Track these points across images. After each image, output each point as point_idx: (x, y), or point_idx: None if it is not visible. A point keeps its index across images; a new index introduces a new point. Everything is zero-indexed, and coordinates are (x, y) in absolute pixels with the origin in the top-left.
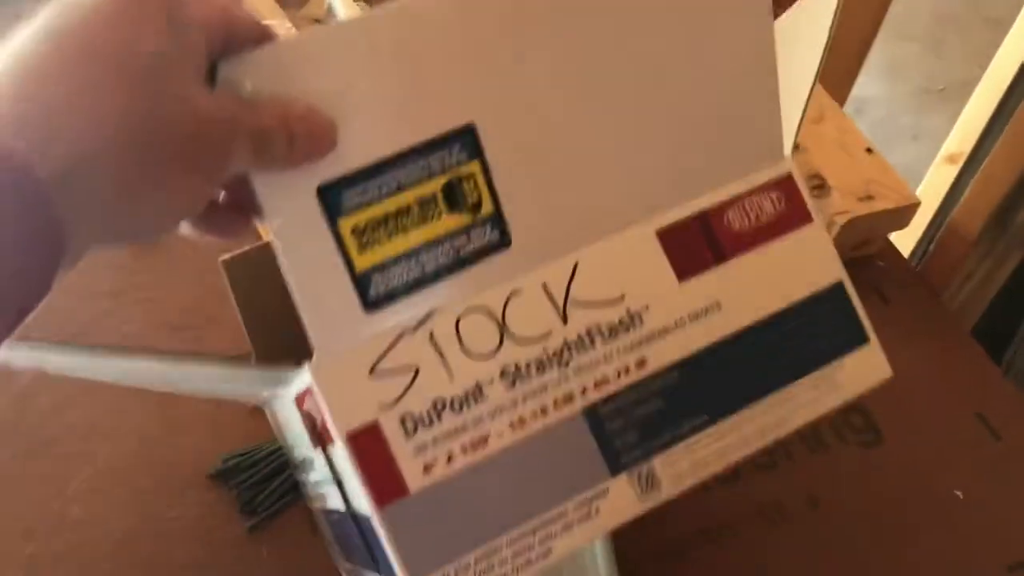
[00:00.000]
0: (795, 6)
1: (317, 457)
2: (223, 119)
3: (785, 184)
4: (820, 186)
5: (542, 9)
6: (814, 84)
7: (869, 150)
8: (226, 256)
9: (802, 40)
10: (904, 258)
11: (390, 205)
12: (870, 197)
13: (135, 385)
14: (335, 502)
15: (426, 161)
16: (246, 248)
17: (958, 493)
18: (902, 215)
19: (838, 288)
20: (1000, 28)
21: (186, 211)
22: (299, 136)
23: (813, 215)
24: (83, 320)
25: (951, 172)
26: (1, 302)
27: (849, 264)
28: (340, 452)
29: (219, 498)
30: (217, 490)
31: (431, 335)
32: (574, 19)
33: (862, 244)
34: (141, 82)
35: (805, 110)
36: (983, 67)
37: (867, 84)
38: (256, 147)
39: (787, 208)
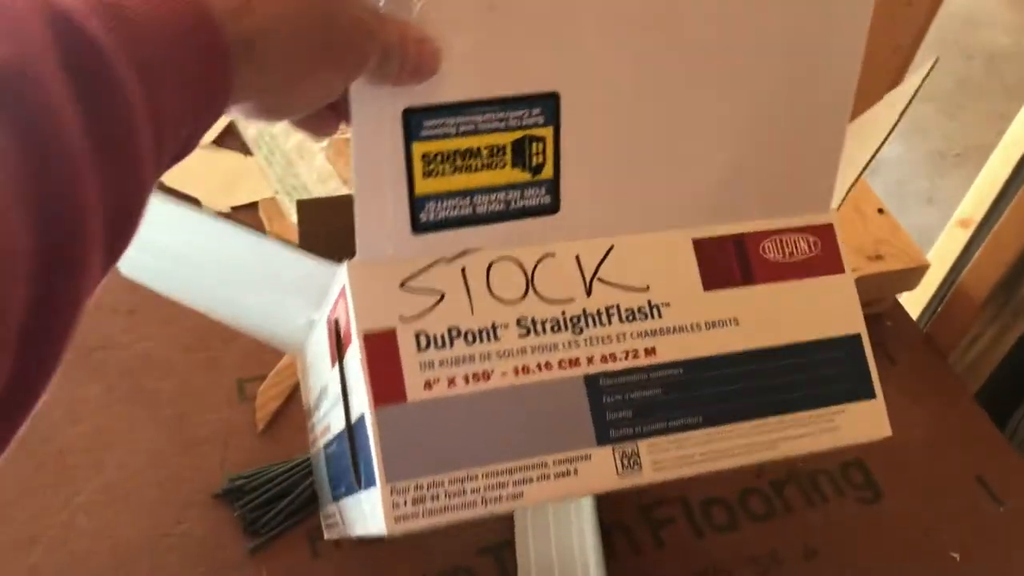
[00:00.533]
0: (871, 110)
1: (332, 380)
2: (369, 26)
3: (824, 232)
4: None
5: (652, 8)
6: (874, 155)
7: (881, 211)
8: (303, 198)
9: (869, 129)
10: (912, 319)
11: (462, 143)
12: (879, 257)
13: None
14: (337, 425)
15: (506, 114)
16: (322, 196)
17: (955, 555)
18: (910, 276)
19: (855, 340)
20: (1018, 95)
21: (319, 102)
22: (410, 59)
23: (846, 268)
24: (102, 334)
25: (963, 236)
26: (171, 140)
27: None
28: (353, 355)
29: (223, 517)
30: (222, 509)
31: (463, 269)
32: (678, 25)
33: (870, 303)
34: None
35: (859, 176)
36: (1001, 133)
37: (884, 146)
38: (380, 61)
39: (822, 253)
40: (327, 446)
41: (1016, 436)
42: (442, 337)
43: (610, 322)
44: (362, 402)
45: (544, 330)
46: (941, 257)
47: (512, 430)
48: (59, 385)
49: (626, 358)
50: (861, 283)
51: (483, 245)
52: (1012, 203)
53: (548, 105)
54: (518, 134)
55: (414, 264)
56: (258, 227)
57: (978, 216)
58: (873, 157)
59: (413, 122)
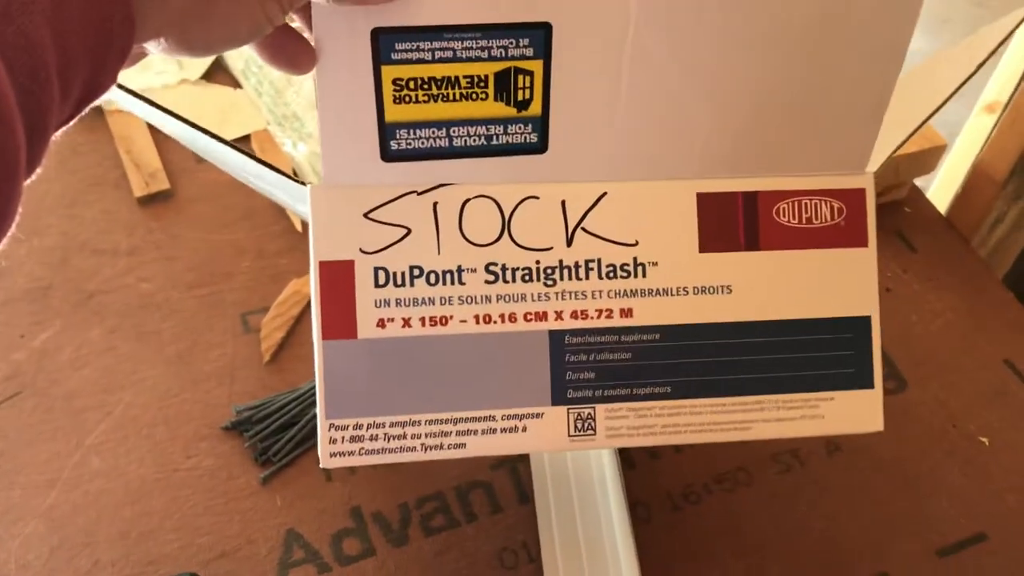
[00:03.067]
0: (946, 50)
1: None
2: None
3: (853, 198)
4: None
5: None
6: (926, 120)
7: None
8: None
9: (936, 76)
10: (932, 204)
11: (438, 71)
12: None
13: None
14: None
15: (489, 42)
16: None
17: (983, 440)
18: (927, 158)
19: (864, 323)
20: None
21: (252, 34)
22: None
23: (870, 242)
24: (102, 278)
25: (989, 122)
26: (67, 84)
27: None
28: (311, 281)
29: (234, 449)
30: (232, 441)
31: (435, 205)
32: None
33: (888, 190)
34: None
35: (905, 141)
36: None
37: (913, 38)
38: None
39: (845, 223)
40: None
41: None
42: (403, 275)
43: (587, 277)
44: (315, 331)
45: (514, 278)
46: (969, 144)
47: (464, 379)
48: (62, 330)
49: (599, 317)
50: (876, 169)
51: (460, 180)
52: (1022, 73)
53: (538, 36)
54: (502, 65)
55: (382, 193)
56: (276, 168)
57: (1003, 99)
58: (930, 117)
59: (383, 43)
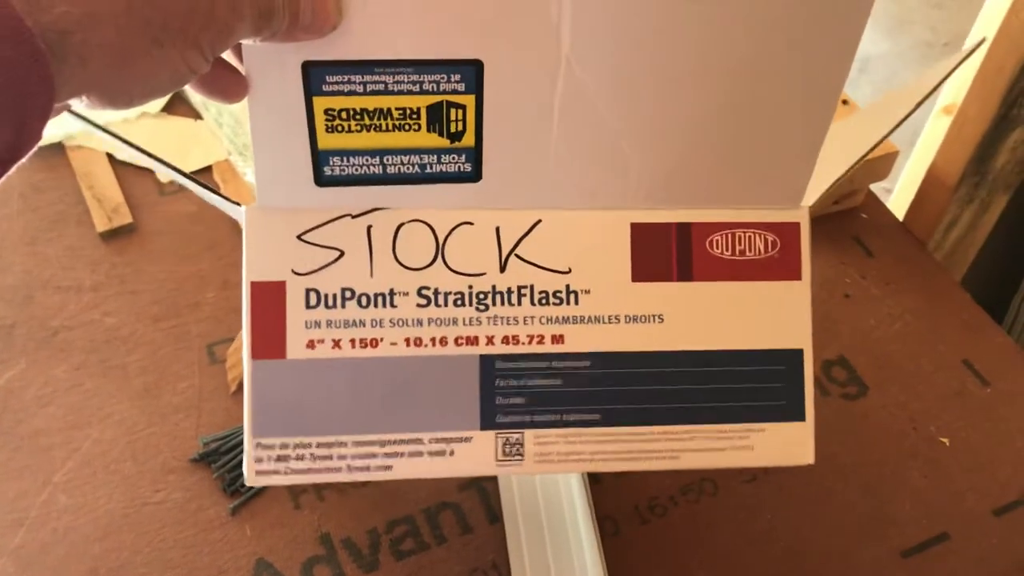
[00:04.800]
0: (892, 92)
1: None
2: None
3: (787, 231)
4: None
5: None
6: (860, 160)
7: (845, 102)
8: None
9: (876, 116)
10: (888, 210)
11: (370, 102)
12: None
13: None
14: None
15: (420, 77)
16: None
17: (944, 440)
18: (879, 165)
19: (796, 356)
20: None
21: (176, 84)
22: (303, 12)
23: (803, 275)
24: (66, 314)
25: (947, 123)
26: None
27: (831, 218)
28: (243, 302)
29: (202, 481)
30: (200, 473)
31: (369, 228)
32: None
33: (843, 198)
34: None
35: (840, 179)
36: None
37: (870, 43)
38: (258, 24)
39: (779, 255)
40: None
41: (1015, 326)
42: (334, 297)
43: (519, 303)
44: (245, 350)
45: (446, 303)
46: (928, 146)
47: (392, 402)
48: (27, 368)
49: (530, 343)
50: (814, 202)
51: (394, 205)
52: (973, 78)
53: (469, 72)
54: (434, 99)
55: (316, 216)
56: (213, 190)
57: (960, 101)
58: (865, 156)
59: (313, 76)
